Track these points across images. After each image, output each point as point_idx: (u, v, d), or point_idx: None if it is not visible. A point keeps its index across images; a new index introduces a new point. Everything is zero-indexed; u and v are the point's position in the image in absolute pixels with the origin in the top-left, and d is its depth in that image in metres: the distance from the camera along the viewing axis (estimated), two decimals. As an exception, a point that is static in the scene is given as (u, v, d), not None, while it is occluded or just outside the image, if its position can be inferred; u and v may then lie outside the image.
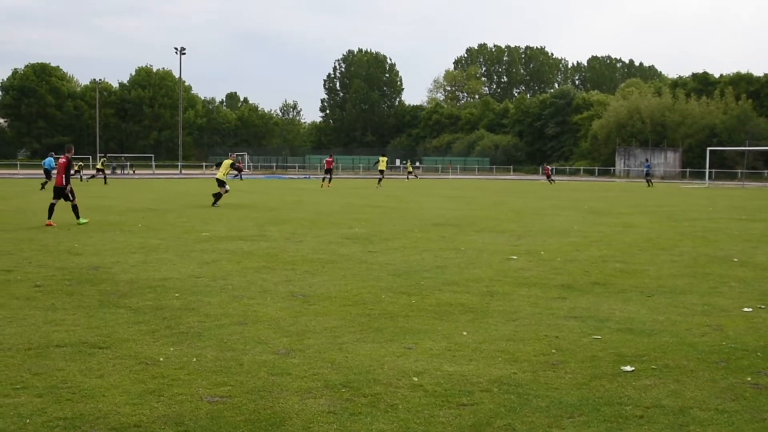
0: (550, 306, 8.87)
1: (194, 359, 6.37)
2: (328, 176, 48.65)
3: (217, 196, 26.74)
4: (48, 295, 9.15)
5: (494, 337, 7.27)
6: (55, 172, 22.37)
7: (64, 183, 19.04)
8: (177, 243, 14.84)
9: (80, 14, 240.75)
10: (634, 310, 8.63)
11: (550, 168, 68.16)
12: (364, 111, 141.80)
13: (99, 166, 54.91)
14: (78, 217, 19.05)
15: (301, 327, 7.61)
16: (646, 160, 65.58)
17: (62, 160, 19.39)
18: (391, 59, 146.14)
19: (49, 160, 41.27)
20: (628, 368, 6.22)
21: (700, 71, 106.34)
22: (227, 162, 27.99)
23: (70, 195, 19.07)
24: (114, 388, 5.56)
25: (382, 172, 49.89)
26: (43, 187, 38.32)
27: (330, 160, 50.99)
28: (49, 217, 18.67)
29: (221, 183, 26.97)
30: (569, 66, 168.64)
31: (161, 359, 6.36)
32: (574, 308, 8.74)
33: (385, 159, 51.12)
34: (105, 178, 52.17)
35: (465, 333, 7.43)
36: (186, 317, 7.99)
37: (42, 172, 43.71)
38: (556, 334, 7.41)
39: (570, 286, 10.26)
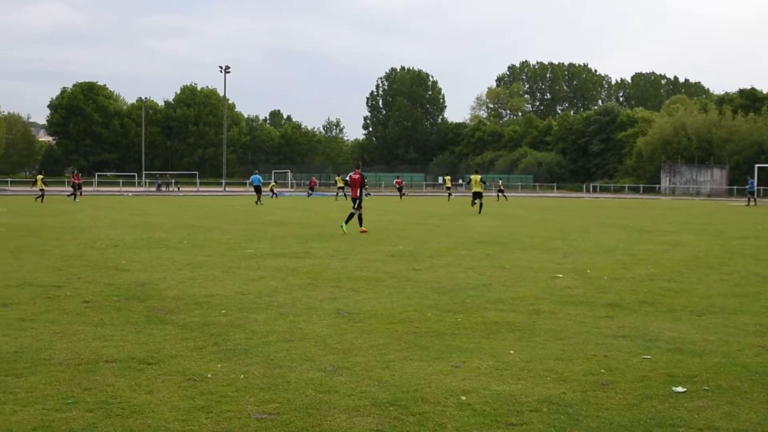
0: (597, 325, 8.76)
1: (242, 376, 6.39)
2: (449, 192, 59.08)
3: (481, 206, 35.13)
4: (97, 311, 9.25)
5: (542, 356, 7.19)
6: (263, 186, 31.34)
7: (358, 195, 22.79)
8: (222, 260, 14.93)
9: (127, 34, 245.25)
10: (684, 330, 8.49)
11: (502, 184, 66.37)
12: (406, 128, 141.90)
13: (341, 184, 57.36)
14: (346, 223, 22.13)
15: (348, 344, 7.60)
16: (749, 178, 64.10)
17: (356, 176, 23.02)
18: (433, 77, 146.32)
19: (257, 177, 46.20)
20: (680, 389, 6.12)
21: (748, 87, 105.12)
22: (478, 177, 35.73)
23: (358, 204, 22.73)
24: (163, 404, 5.59)
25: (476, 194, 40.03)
26: (257, 203, 44.75)
27: (449, 177, 61.23)
28: (360, 225, 22.40)
29: (479, 195, 35.60)
30: (613, 83, 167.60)
31: (209, 375, 6.38)
32: (623, 327, 8.63)
33: (478, 177, 41.65)
34: (345, 194, 56.24)
35: (512, 352, 7.36)
36: (233, 334, 8.02)
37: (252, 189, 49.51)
38: (605, 354, 7.31)
39: (617, 305, 10.14)
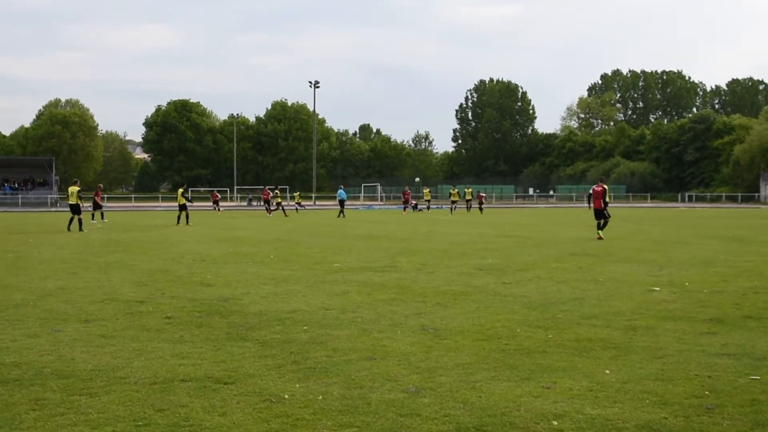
0: (699, 342, 8.22)
1: (320, 397, 6.10)
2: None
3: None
4: (177, 327, 9.12)
5: (640, 377, 6.72)
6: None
7: (602, 206, 24.69)
8: (307, 274, 14.75)
9: (219, 52, 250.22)
10: (795, 348, 7.89)
11: (483, 196, 63.25)
12: (496, 140, 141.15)
13: (468, 197, 58.13)
14: (601, 229, 24.66)
15: (432, 363, 7.25)
16: None
17: (599, 188, 25.17)
18: (522, 88, 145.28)
19: (342, 192, 48.73)
20: (795, 414, 5.59)
21: None
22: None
23: (606, 213, 24.71)
24: (236, 428, 5.34)
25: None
26: (339, 216, 45.40)
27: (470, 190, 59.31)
28: (599, 229, 24.75)
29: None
30: (708, 89, 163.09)
31: (286, 396, 6.12)
32: (727, 344, 8.07)
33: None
34: (470, 207, 57.83)
35: (607, 371, 6.91)
36: (313, 352, 7.75)
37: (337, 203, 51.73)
38: (709, 374, 6.79)
39: (720, 320, 9.55)
